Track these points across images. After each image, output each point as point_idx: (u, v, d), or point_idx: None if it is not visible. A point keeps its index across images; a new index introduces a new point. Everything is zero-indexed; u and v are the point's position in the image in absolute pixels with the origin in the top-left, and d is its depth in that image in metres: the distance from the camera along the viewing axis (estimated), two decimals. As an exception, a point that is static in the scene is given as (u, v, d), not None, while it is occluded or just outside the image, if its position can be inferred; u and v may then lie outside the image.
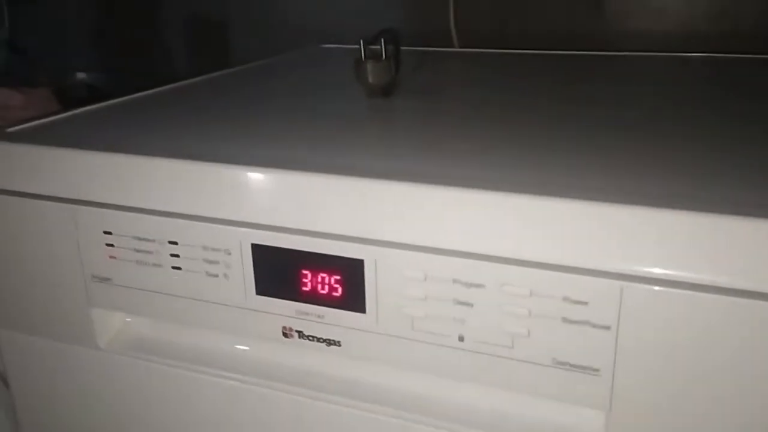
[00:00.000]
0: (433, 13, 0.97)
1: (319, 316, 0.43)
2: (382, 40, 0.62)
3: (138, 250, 0.47)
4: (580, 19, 0.91)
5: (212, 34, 1.12)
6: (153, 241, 0.46)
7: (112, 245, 0.48)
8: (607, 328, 0.36)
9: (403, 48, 0.84)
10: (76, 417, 0.56)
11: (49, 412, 0.57)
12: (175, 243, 0.46)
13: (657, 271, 0.34)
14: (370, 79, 0.62)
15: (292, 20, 1.06)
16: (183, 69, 1.16)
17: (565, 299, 0.37)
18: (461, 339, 0.40)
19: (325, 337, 0.44)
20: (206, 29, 1.12)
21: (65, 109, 0.62)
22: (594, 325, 0.36)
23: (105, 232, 0.48)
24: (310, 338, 0.44)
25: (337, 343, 0.44)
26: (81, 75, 1.01)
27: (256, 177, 0.43)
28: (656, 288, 0.34)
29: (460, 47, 0.95)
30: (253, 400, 0.47)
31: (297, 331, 0.44)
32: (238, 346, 0.48)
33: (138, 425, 0.53)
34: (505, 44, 0.91)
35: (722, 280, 0.33)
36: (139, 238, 0.47)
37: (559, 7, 0.92)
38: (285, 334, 0.45)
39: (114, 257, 0.48)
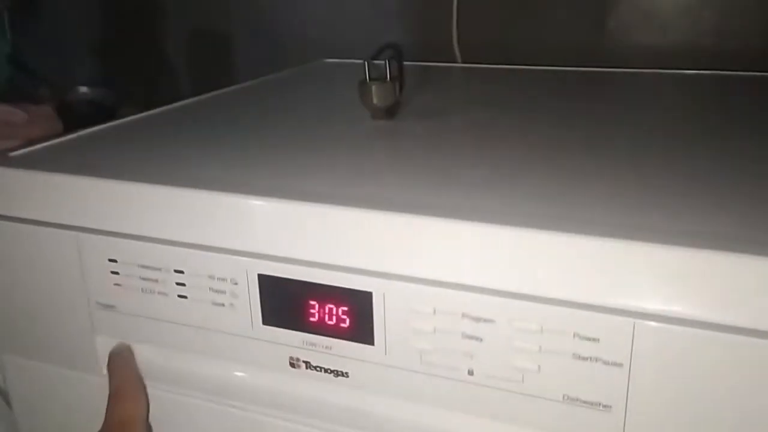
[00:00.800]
0: (435, 28, 0.96)
1: (326, 347, 0.43)
2: (386, 61, 0.62)
3: (143, 278, 0.47)
4: (582, 34, 0.91)
5: (216, 48, 1.12)
6: (159, 269, 0.46)
7: (117, 273, 0.47)
8: (620, 365, 0.35)
9: (405, 63, 0.84)
10: (80, 442, 0.55)
11: (52, 437, 0.56)
12: (181, 272, 0.45)
13: (670, 308, 0.34)
14: (375, 101, 0.61)
15: (295, 34, 1.06)
16: (186, 83, 1.16)
17: (576, 335, 0.36)
18: (471, 373, 0.40)
19: (332, 368, 0.43)
20: (210, 43, 1.12)
21: (68, 128, 0.61)
22: (606, 362, 0.36)
23: (110, 260, 0.47)
24: (318, 369, 0.44)
25: (345, 374, 0.43)
26: (83, 89, 1.00)
27: (264, 207, 0.42)
28: (670, 326, 0.34)
29: (463, 62, 0.95)
30: (258, 429, 0.47)
31: (304, 362, 0.44)
32: (244, 376, 0.48)
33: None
34: (508, 60, 0.91)
35: (737, 320, 0.33)
36: (145, 267, 0.46)
37: (562, 23, 0.91)
38: (292, 365, 0.44)
39: (119, 285, 0.48)
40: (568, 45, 0.91)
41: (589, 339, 0.36)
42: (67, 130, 0.61)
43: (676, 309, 0.34)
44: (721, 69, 0.80)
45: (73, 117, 0.87)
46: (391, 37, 0.93)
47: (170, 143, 0.56)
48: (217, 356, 0.47)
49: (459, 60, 0.95)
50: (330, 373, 0.44)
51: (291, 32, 1.06)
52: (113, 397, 0.48)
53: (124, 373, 0.49)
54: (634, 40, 0.89)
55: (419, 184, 0.45)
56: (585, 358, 0.36)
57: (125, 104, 0.99)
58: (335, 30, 1.03)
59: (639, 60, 0.87)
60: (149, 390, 0.50)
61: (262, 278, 0.43)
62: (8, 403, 0.75)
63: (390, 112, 0.63)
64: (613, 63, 0.87)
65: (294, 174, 0.48)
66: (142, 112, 0.66)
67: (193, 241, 0.45)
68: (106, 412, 0.47)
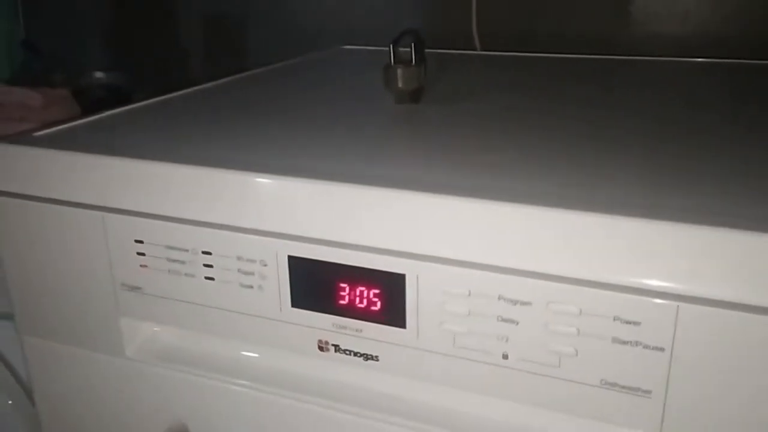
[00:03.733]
0: (454, 15, 0.96)
1: (357, 330, 0.42)
2: (413, 45, 0.61)
3: (170, 260, 0.46)
4: (602, 22, 0.90)
5: (230, 34, 1.11)
6: (186, 250, 0.45)
7: (143, 254, 0.47)
8: (661, 349, 0.35)
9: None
10: (101, 425, 0.55)
11: (73, 420, 0.56)
12: (209, 253, 0.45)
13: (715, 291, 0.33)
14: (400, 85, 0.61)
15: (311, 20, 1.05)
16: (199, 69, 1.15)
17: (617, 319, 0.36)
18: (505, 357, 0.39)
19: (362, 352, 0.43)
20: (224, 28, 1.11)
21: (86, 111, 0.61)
22: (647, 346, 0.35)
23: (136, 241, 0.47)
24: (347, 352, 0.43)
25: (375, 358, 0.43)
26: (98, 74, 1.00)
27: (294, 187, 0.42)
28: (715, 309, 0.33)
29: (482, 50, 0.94)
30: (285, 413, 0.46)
31: (333, 345, 0.44)
32: (271, 359, 0.47)
33: (164, 435, 0.52)
34: (528, 48, 0.90)
35: (785, 304, 0.32)
36: (172, 248, 0.46)
37: (581, 11, 0.90)
38: (321, 348, 0.44)
39: (145, 266, 0.47)
40: (588, 33, 0.90)
41: (630, 322, 0.35)
42: (83, 113, 0.60)
43: (721, 292, 0.33)
44: (743, 57, 0.79)
45: (88, 101, 0.87)
46: (409, 25, 0.93)
47: (194, 125, 0.56)
48: (245, 339, 0.46)
49: (478, 48, 0.94)
50: (360, 356, 0.43)
51: (306, 19, 1.06)
52: None
53: None
54: (654, 29, 0.88)
55: (452, 166, 0.45)
56: (625, 342, 0.36)
57: (140, 89, 0.99)
58: (352, 17, 1.02)
59: (659, 48, 0.86)
60: (171, 372, 0.49)
61: (292, 260, 0.42)
62: (31, 399, 0.75)
63: (414, 96, 0.62)
64: (633, 51, 0.86)
65: (324, 155, 0.47)
66: (157, 96, 0.65)
67: (222, 222, 0.44)
68: None
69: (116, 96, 0.95)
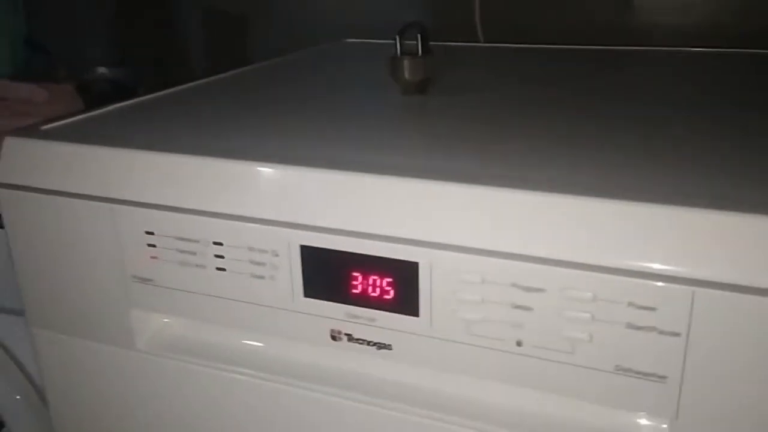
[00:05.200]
0: (457, 7, 0.95)
1: (369, 319, 0.42)
2: (419, 36, 0.61)
3: (181, 251, 0.46)
4: (605, 13, 0.90)
5: (231, 28, 1.11)
6: (197, 241, 0.45)
7: (153, 245, 0.47)
8: (677, 334, 0.35)
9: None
10: (112, 418, 0.55)
11: (84, 412, 0.56)
12: (220, 244, 0.45)
13: (731, 275, 0.33)
14: (407, 76, 0.61)
15: (311, 14, 1.05)
16: (201, 63, 1.15)
17: (631, 304, 0.36)
18: (519, 344, 0.39)
19: (375, 341, 0.43)
20: (225, 23, 1.11)
21: (89, 106, 0.61)
22: (662, 332, 0.35)
23: (147, 232, 0.47)
24: (360, 341, 0.43)
25: (388, 347, 0.43)
26: (102, 69, 1.00)
27: (306, 177, 0.42)
28: (731, 293, 0.33)
29: (485, 42, 0.94)
30: (297, 403, 0.46)
31: (346, 334, 0.44)
32: (283, 349, 0.47)
33: (174, 427, 0.52)
34: (531, 39, 0.90)
35: (801, 287, 0.32)
36: (183, 239, 0.46)
37: (583, 1, 0.90)
38: (334, 337, 0.44)
39: (155, 257, 0.47)
40: (590, 24, 0.90)
41: (644, 308, 0.35)
42: (87, 109, 0.60)
43: (737, 276, 0.33)
44: (745, 47, 0.79)
45: (91, 96, 0.86)
46: (411, 17, 0.92)
47: (200, 117, 0.56)
48: (256, 330, 0.46)
49: (482, 39, 0.94)
50: (373, 345, 0.43)
51: (307, 12, 1.05)
52: None
53: None
54: (657, 19, 0.87)
55: (463, 155, 0.45)
56: (640, 328, 0.36)
57: (142, 84, 0.99)
58: (353, 10, 1.02)
59: (663, 38, 0.86)
60: (183, 364, 0.49)
61: (304, 249, 0.42)
62: (43, 399, 0.75)
63: (421, 87, 0.62)
64: (636, 41, 0.86)
65: (335, 145, 0.47)
66: (160, 91, 0.65)
67: (233, 212, 0.44)
68: None
69: (119, 91, 0.95)
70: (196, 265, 0.46)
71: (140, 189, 0.46)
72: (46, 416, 0.78)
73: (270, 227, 0.43)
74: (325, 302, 0.43)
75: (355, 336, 0.43)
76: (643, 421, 0.38)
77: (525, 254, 0.38)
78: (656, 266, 0.35)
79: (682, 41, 0.85)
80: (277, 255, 0.43)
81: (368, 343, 0.43)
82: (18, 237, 0.52)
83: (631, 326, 0.36)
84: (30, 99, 0.79)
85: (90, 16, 1.18)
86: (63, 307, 0.52)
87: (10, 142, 0.50)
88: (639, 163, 0.42)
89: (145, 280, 0.48)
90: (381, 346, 0.43)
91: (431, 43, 0.62)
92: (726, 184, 0.38)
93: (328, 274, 0.42)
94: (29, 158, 0.50)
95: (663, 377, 0.36)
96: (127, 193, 0.47)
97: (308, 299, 0.44)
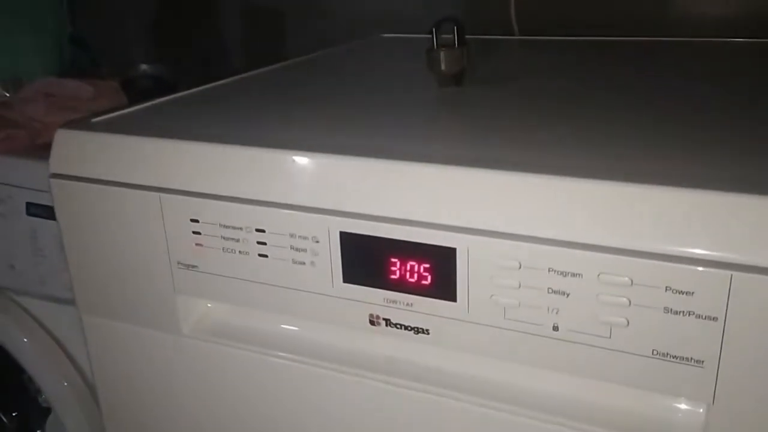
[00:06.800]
0: (491, 1, 0.96)
1: (408, 304, 0.43)
2: (455, 28, 0.61)
3: (225, 238, 0.48)
4: (642, 4, 0.89)
5: (268, 25, 1.13)
6: (240, 229, 0.47)
7: (198, 233, 0.48)
8: (714, 319, 0.35)
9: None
10: (156, 399, 0.57)
11: (131, 397, 0.58)
12: (263, 231, 0.46)
13: (769, 260, 0.33)
14: (443, 68, 0.61)
15: (347, 10, 1.06)
16: (239, 59, 1.17)
17: (669, 289, 0.36)
18: (556, 328, 0.40)
19: (413, 325, 0.44)
20: (263, 20, 1.13)
21: (132, 101, 0.63)
22: (699, 316, 0.35)
23: (192, 220, 0.48)
24: (398, 326, 0.44)
25: (425, 332, 0.44)
26: (144, 66, 1.03)
27: (345, 165, 0.43)
28: (769, 278, 0.33)
29: (520, 35, 0.94)
30: (337, 387, 0.48)
31: (384, 319, 0.45)
32: (323, 334, 0.48)
33: (220, 410, 0.54)
34: (566, 32, 0.90)
35: (842, 270, 0.32)
36: (226, 226, 0.47)
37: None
38: (372, 322, 0.45)
39: (200, 245, 0.49)
40: (626, 15, 0.89)
41: (682, 292, 0.35)
42: (131, 103, 0.62)
43: (776, 261, 0.33)
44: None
45: (136, 93, 0.89)
46: (445, 11, 0.93)
47: (243, 110, 0.57)
48: (297, 315, 0.47)
49: (517, 33, 0.94)
50: (410, 330, 0.44)
51: (343, 8, 1.07)
52: None
53: None
54: (696, 9, 0.87)
55: (500, 143, 0.45)
56: (677, 312, 0.36)
57: (182, 80, 1.01)
58: (388, 6, 1.03)
59: (701, 29, 0.85)
60: (227, 348, 0.51)
61: (343, 236, 0.43)
62: (89, 386, 0.78)
63: (457, 79, 0.62)
64: (674, 32, 0.85)
65: (374, 135, 0.48)
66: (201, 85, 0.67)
67: (275, 200, 0.45)
68: None
69: (160, 87, 0.98)
70: (239, 252, 0.48)
71: (186, 178, 0.48)
72: (92, 403, 0.81)
73: (310, 214, 0.44)
74: (364, 287, 0.44)
75: (393, 321, 0.44)
76: (681, 406, 0.39)
77: (562, 239, 0.38)
78: (694, 251, 0.35)
79: (721, 32, 0.83)
80: (317, 241, 0.44)
81: (406, 327, 0.44)
82: (69, 225, 0.54)
83: (668, 311, 0.36)
84: (77, 95, 0.81)
85: (132, 15, 1.21)
86: (111, 293, 0.54)
87: (61, 134, 0.53)
88: (679, 150, 0.42)
89: (190, 267, 0.50)
90: (418, 330, 0.44)
91: (467, 36, 0.62)
92: (765, 169, 0.38)
93: (366, 259, 0.44)
94: (80, 149, 0.52)
95: (700, 361, 0.36)
96: (173, 182, 0.48)
97: (347, 284, 0.45)
